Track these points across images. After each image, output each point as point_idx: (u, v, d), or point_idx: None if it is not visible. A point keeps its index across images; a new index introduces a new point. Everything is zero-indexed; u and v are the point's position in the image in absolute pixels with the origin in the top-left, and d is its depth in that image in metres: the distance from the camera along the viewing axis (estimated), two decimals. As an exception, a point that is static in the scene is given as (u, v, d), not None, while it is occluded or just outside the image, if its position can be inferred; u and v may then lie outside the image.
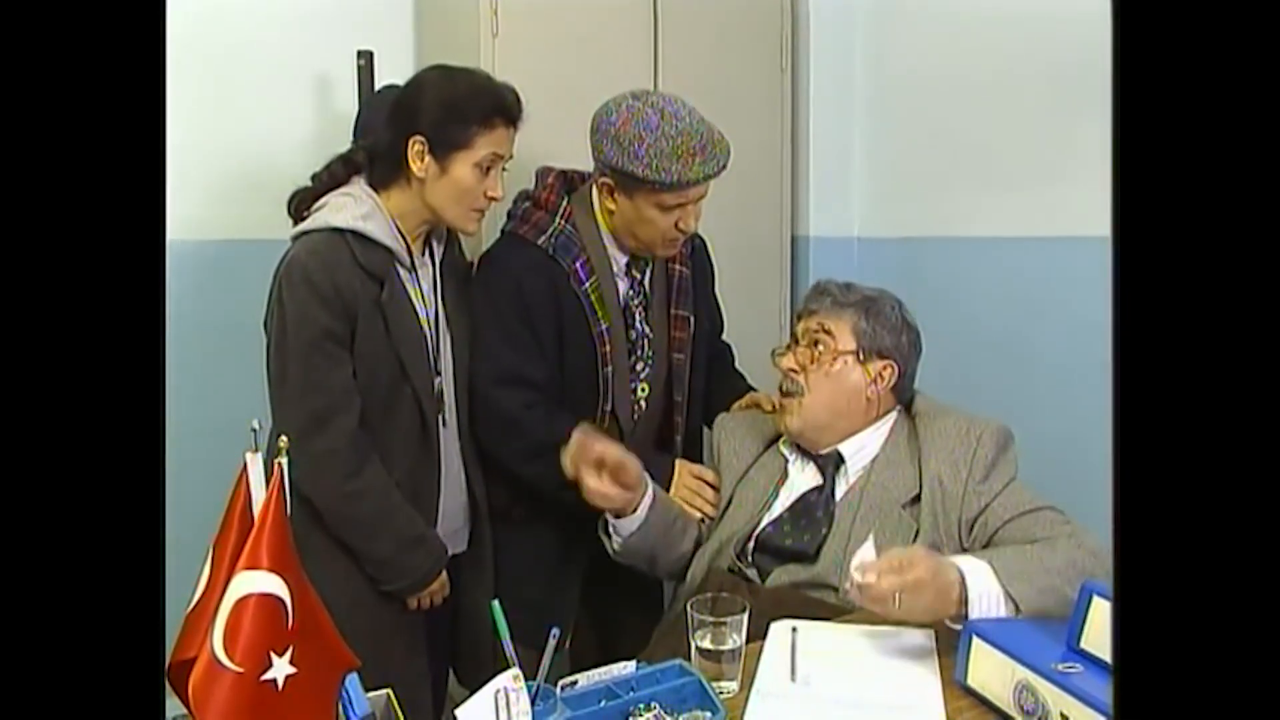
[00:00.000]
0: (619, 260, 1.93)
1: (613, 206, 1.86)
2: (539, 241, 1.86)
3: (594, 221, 1.91)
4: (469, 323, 1.88)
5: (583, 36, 2.39)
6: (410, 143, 1.71)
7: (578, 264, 1.86)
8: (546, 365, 1.89)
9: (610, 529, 1.77)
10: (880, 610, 1.35)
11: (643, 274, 1.97)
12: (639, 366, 1.98)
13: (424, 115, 1.71)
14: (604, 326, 1.89)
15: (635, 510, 1.73)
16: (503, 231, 1.96)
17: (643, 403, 2.00)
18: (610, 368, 1.91)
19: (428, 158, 1.71)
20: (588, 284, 1.87)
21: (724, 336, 2.29)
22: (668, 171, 1.76)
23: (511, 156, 1.79)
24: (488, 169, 1.74)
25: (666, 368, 2.02)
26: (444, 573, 1.82)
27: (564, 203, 1.90)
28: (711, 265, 2.17)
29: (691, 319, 2.03)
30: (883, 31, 2.75)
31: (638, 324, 1.96)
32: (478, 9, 2.26)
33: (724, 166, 1.82)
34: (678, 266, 2.02)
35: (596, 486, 1.66)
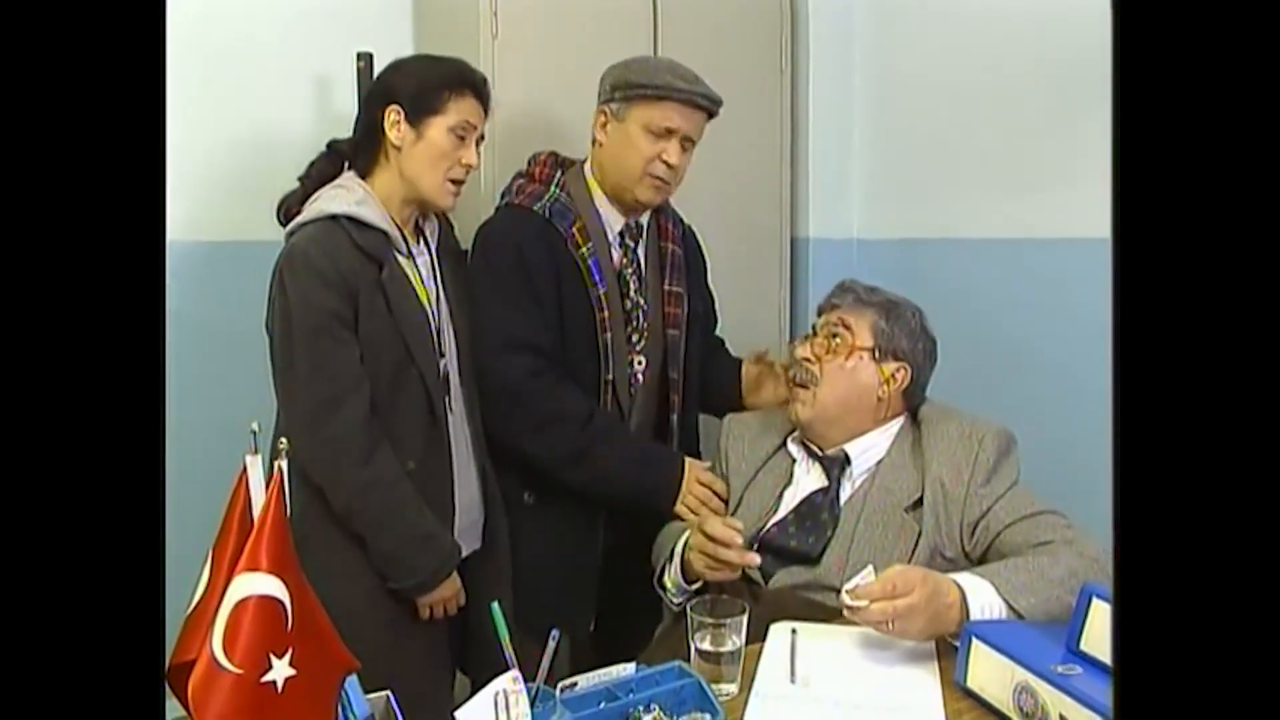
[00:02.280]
0: (613, 227, 1.97)
1: (603, 139, 1.93)
2: (535, 207, 1.90)
3: (587, 190, 1.96)
4: (469, 307, 1.89)
5: (582, 38, 2.39)
6: (386, 112, 1.76)
7: (573, 228, 1.90)
8: (550, 331, 1.90)
9: (674, 587, 1.72)
10: (876, 630, 1.35)
11: (635, 243, 2.01)
12: (634, 338, 1.99)
13: (398, 86, 1.77)
14: (602, 290, 1.92)
15: None
16: (498, 209, 1.99)
17: (640, 375, 2.01)
18: (609, 334, 1.93)
19: (404, 125, 1.76)
20: (584, 248, 1.90)
21: (723, 335, 2.30)
22: (664, 83, 1.86)
23: (484, 137, 1.84)
24: (461, 136, 1.78)
25: (662, 343, 2.04)
26: (456, 577, 1.79)
27: (558, 174, 1.96)
28: (703, 253, 2.20)
29: (685, 297, 2.06)
30: (882, 33, 2.75)
31: (632, 294, 1.98)
32: (477, 10, 2.26)
33: (715, 103, 1.92)
34: (669, 244, 2.06)
35: (742, 559, 1.58)
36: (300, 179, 1.84)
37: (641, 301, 1.99)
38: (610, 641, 2.08)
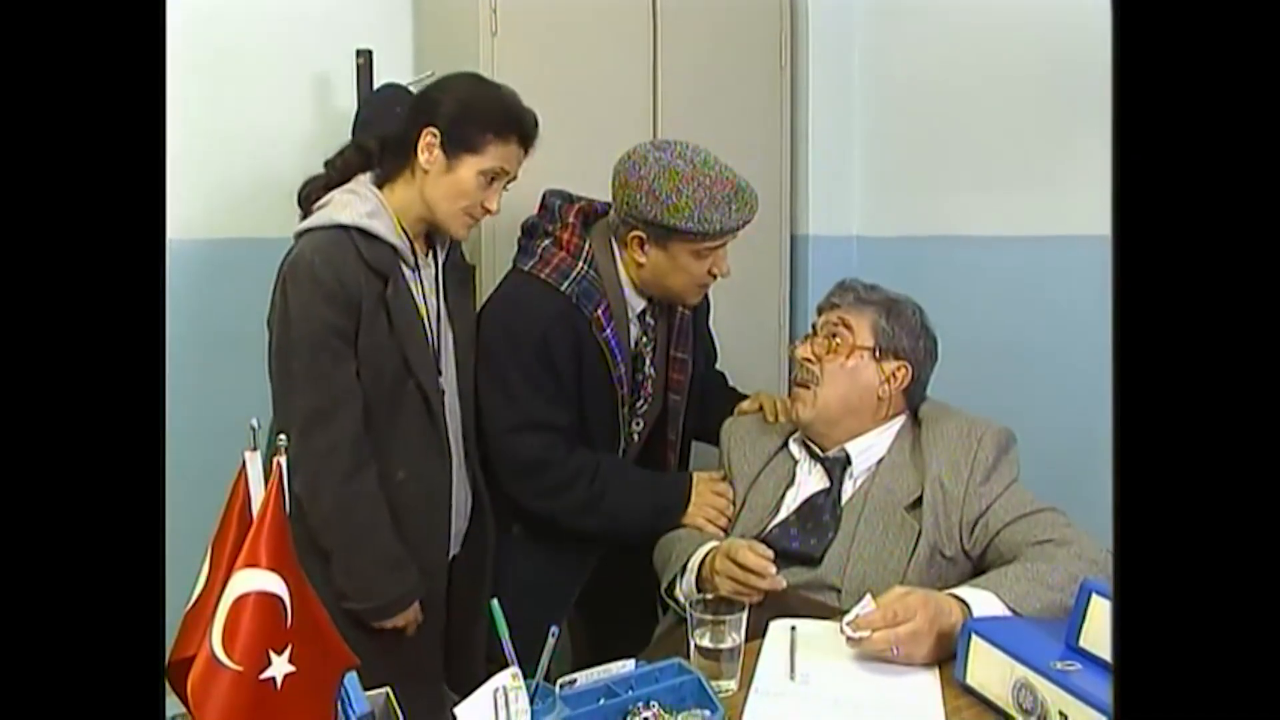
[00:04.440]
0: (635, 305, 1.93)
1: (643, 260, 1.86)
2: (563, 287, 1.84)
3: (614, 264, 1.90)
4: (471, 327, 1.88)
5: (582, 35, 2.39)
6: (423, 133, 1.71)
7: (599, 311, 1.85)
8: (569, 412, 1.88)
9: (684, 599, 1.70)
10: (883, 658, 1.34)
11: (655, 319, 1.98)
12: (639, 405, 1.99)
13: (443, 110, 1.71)
14: (621, 372, 1.89)
15: None
16: (516, 264, 1.93)
17: (635, 436, 2.02)
18: (626, 408, 1.93)
19: (437, 151, 1.71)
20: (608, 330, 1.86)
21: (724, 336, 2.29)
22: (709, 221, 1.76)
23: (515, 178, 1.79)
24: (491, 180, 1.73)
25: (661, 405, 2.04)
26: (416, 607, 1.76)
27: (585, 245, 1.88)
28: (708, 300, 2.15)
29: (690, 362, 2.05)
30: (882, 30, 2.75)
31: (645, 367, 1.97)
32: (477, 8, 2.26)
33: (755, 210, 1.83)
34: (679, 308, 2.03)
35: (774, 585, 1.57)
36: (326, 164, 1.79)
37: (652, 372, 1.99)
38: (605, 645, 2.09)
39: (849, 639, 1.33)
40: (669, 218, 1.77)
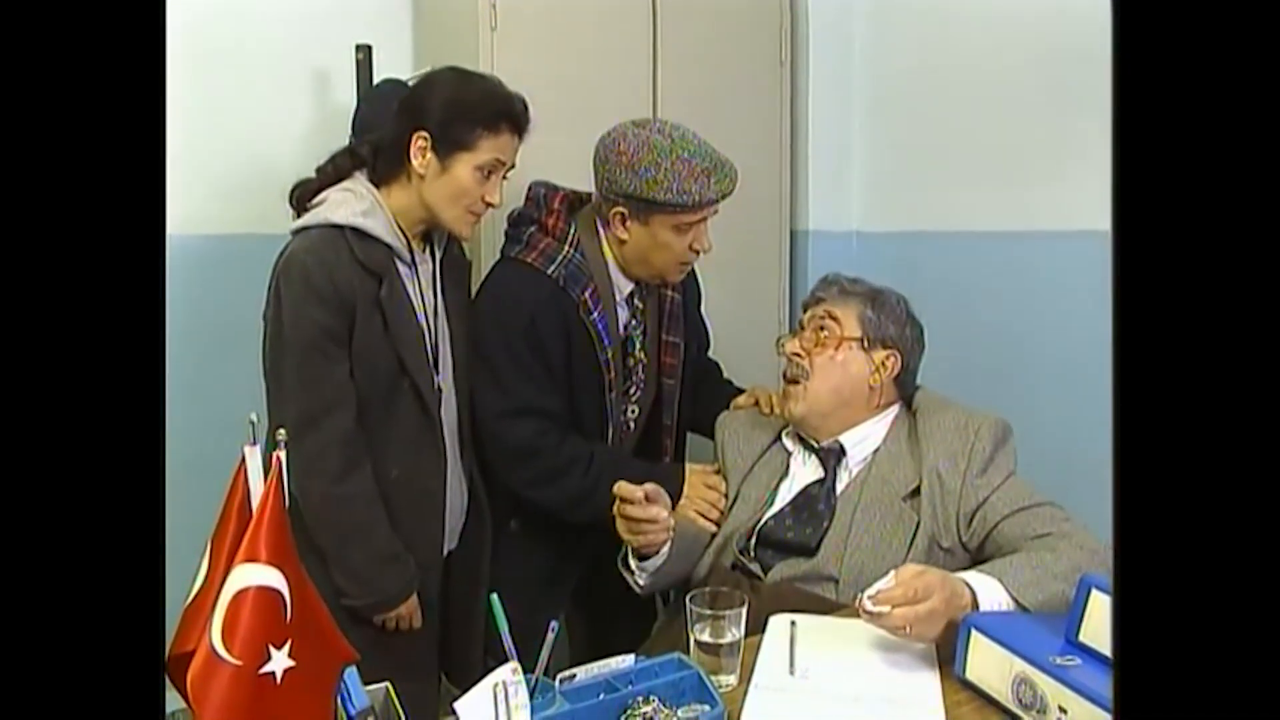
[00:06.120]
0: (622, 288, 1.93)
1: (625, 236, 1.86)
2: (549, 271, 1.84)
3: (600, 248, 1.90)
4: (468, 323, 1.88)
5: (582, 31, 2.39)
6: (414, 138, 1.70)
7: (586, 294, 1.85)
8: (559, 396, 1.89)
9: (634, 566, 1.74)
10: (893, 634, 1.34)
11: (644, 302, 1.98)
12: (631, 390, 1.99)
13: (430, 112, 1.71)
14: (609, 355, 1.89)
15: (660, 549, 1.71)
16: (503, 253, 1.94)
17: (630, 424, 2.02)
18: (614, 393, 1.93)
19: (429, 154, 1.70)
20: (595, 313, 1.87)
21: (723, 331, 2.29)
22: (688, 193, 1.77)
23: (514, 166, 1.78)
24: (488, 174, 1.73)
25: (655, 391, 2.04)
26: (415, 598, 1.77)
27: (572, 230, 1.89)
28: (699, 285, 2.16)
29: (682, 345, 2.05)
30: (882, 25, 2.75)
31: (636, 351, 1.97)
32: (476, 3, 2.25)
33: (735, 184, 1.84)
34: (669, 293, 2.03)
35: (644, 514, 1.63)
36: (318, 170, 1.79)
37: (643, 357, 1.99)
38: (603, 639, 2.09)
39: (867, 612, 1.32)
40: (648, 190, 1.77)
